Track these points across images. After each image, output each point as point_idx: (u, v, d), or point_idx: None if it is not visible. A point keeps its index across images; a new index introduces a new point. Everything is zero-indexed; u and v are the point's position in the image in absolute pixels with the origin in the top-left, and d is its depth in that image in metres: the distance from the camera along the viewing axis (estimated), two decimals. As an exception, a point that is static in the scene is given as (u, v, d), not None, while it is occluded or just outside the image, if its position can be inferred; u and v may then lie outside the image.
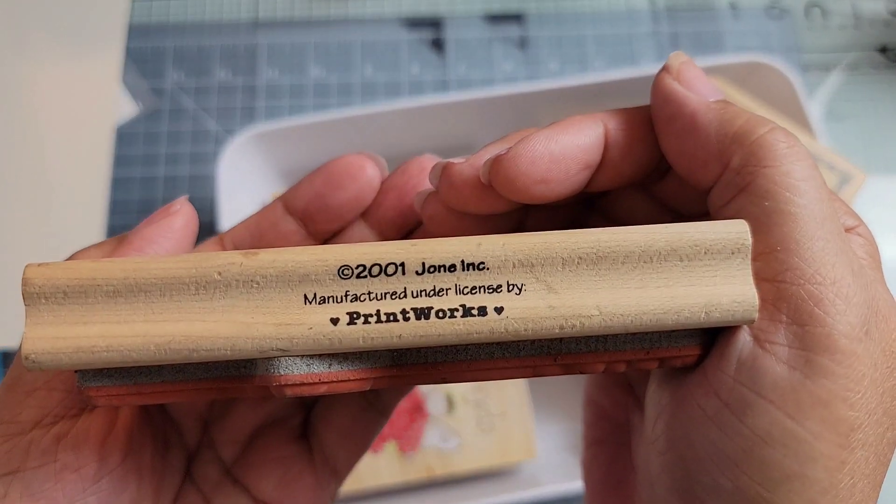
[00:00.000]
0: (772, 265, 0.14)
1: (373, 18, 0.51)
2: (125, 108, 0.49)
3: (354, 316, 0.14)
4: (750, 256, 0.14)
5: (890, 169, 0.49)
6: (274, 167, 0.43)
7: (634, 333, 0.15)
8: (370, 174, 0.18)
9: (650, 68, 0.41)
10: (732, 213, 0.15)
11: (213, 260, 0.14)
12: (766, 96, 0.42)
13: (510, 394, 0.39)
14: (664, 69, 0.17)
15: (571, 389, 0.41)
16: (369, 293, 0.14)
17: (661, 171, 0.17)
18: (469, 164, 0.16)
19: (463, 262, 0.14)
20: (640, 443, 0.19)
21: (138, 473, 0.17)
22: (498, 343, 0.15)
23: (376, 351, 0.14)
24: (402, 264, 0.14)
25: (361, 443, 0.21)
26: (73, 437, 0.16)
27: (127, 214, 0.47)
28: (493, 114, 0.43)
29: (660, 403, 0.16)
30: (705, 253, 0.14)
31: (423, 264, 0.14)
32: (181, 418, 0.20)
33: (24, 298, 0.14)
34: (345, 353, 0.14)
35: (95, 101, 0.48)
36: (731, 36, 0.51)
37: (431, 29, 0.51)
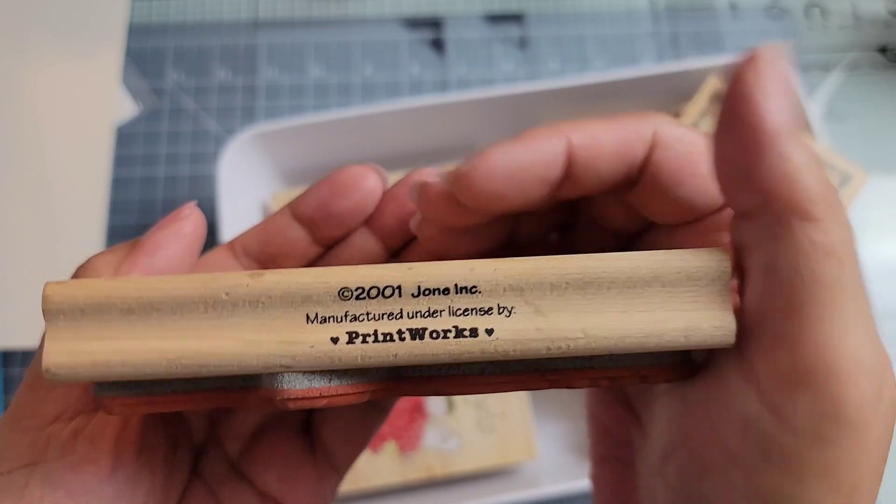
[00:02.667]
0: (790, 329, 0.13)
1: (373, 18, 0.51)
2: (125, 108, 0.49)
3: (353, 335, 0.15)
4: (729, 283, 0.15)
5: (890, 169, 0.49)
6: (274, 167, 0.43)
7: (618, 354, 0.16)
8: (372, 184, 0.19)
9: (650, 68, 0.41)
10: (749, 243, 0.15)
11: (222, 281, 0.15)
12: (766, 96, 0.42)
13: (510, 394, 0.39)
14: (753, 62, 0.14)
15: (571, 391, 0.41)
16: (367, 314, 0.15)
17: (631, 183, 0.17)
18: (441, 180, 0.17)
19: (456, 285, 0.15)
20: (643, 467, 0.19)
21: (151, 468, 0.18)
22: (489, 360, 0.15)
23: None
24: (399, 287, 0.15)
25: (361, 440, 0.21)
26: (91, 431, 0.17)
27: (127, 214, 0.47)
28: (493, 114, 0.43)
29: (669, 441, 0.16)
30: (687, 279, 0.15)
31: (419, 287, 0.15)
32: (190, 416, 0.21)
33: (43, 315, 0.15)
34: (344, 370, 0.15)
35: (96, 101, 0.48)
36: (731, 36, 0.51)
37: (431, 29, 0.51)
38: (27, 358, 0.44)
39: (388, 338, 0.15)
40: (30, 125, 0.48)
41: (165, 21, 0.51)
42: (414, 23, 0.51)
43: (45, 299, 0.14)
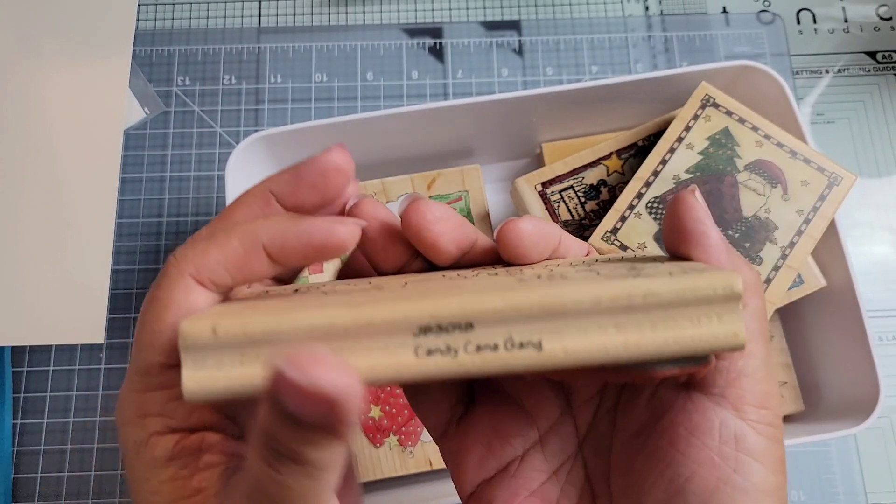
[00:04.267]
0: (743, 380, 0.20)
1: (373, 26, 0.52)
2: (133, 112, 0.50)
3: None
4: (741, 301, 0.17)
5: (879, 171, 0.50)
6: (279, 169, 0.44)
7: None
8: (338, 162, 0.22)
9: (644, 74, 0.42)
10: None
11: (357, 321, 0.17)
12: (757, 100, 0.43)
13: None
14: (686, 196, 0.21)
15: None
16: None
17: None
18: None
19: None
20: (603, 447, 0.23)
21: None
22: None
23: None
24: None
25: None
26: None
27: (135, 215, 0.48)
28: (491, 118, 0.44)
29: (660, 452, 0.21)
30: (707, 298, 0.17)
31: (540, 308, 0.17)
32: None
33: (180, 350, 0.16)
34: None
35: (104, 105, 0.49)
36: (723, 40, 0.52)
37: (431, 36, 0.52)
38: (35, 355, 0.45)
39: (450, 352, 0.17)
40: (40, 129, 0.49)
41: (171, 27, 0.52)
42: (414, 30, 0.52)
43: (181, 336, 0.16)
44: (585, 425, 0.23)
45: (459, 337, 0.17)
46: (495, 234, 0.22)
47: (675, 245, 0.21)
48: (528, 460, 0.23)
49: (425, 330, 0.17)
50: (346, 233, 0.20)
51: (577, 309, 0.17)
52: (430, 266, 0.23)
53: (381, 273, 0.23)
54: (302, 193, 0.21)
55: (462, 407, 0.24)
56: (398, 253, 0.22)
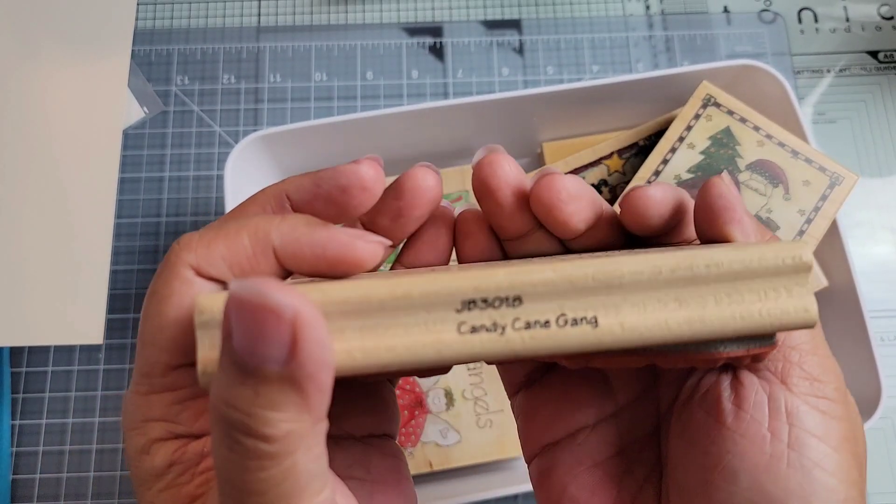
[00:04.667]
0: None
1: (373, 25, 0.52)
2: (132, 111, 0.49)
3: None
4: (810, 272, 0.16)
5: (881, 171, 0.50)
6: (278, 169, 0.44)
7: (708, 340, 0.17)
8: (431, 184, 0.20)
9: (645, 73, 0.42)
10: None
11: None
12: (758, 100, 0.43)
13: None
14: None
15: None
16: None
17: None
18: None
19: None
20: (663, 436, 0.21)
21: None
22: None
23: None
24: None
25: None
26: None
27: (133, 215, 0.47)
28: (491, 117, 0.43)
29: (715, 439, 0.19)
30: (775, 270, 0.16)
31: (593, 278, 0.16)
32: None
33: (195, 327, 0.15)
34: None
35: (103, 105, 0.49)
36: (725, 40, 0.52)
37: (431, 35, 0.52)
38: (34, 356, 0.45)
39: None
40: (39, 128, 0.49)
41: (170, 27, 0.51)
42: (414, 29, 0.52)
43: (197, 311, 0.15)
44: (668, 405, 0.22)
45: (507, 312, 0.15)
46: (618, 201, 0.20)
47: (709, 226, 0.19)
48: (599, 431, 0.22)
49: (469, 304, 0.15)
50: (367, 251, 0.18)
51: (636, 280, 0.16)
52: (550, 240, 0.21)
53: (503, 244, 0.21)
54: (318, 205, 0.19)
55: (543, 368, 0.23)
56: (522, 223, 0.20)
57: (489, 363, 0.17)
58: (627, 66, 0.51)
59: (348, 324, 0.15)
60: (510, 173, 0.19)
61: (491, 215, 0.20)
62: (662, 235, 0.20)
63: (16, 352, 0.45)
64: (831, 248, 0.41)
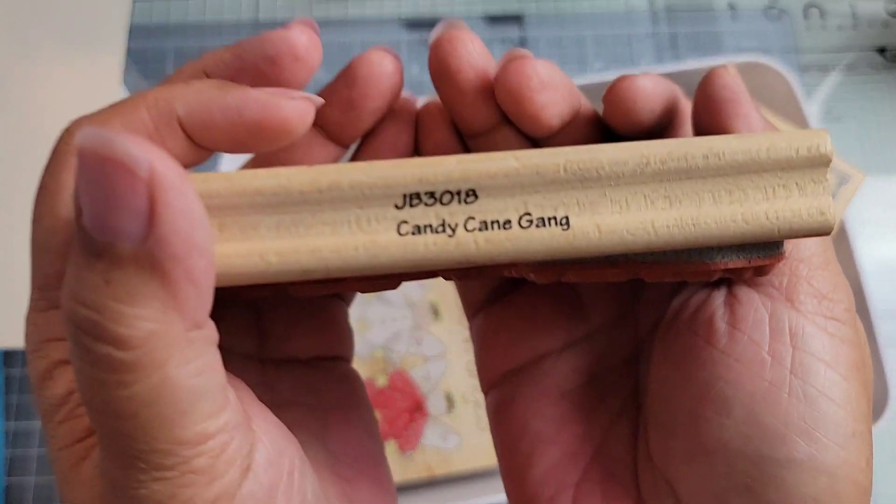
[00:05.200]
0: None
1: (373, 19, 0.51)
2: (126, 108, 0.49)
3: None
4: (829, 166, 0.13)
5: (888, 169, 0.49)
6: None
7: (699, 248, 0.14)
8: (388, 69, 0.17)
9: (649, 69, 0.41)
10: None
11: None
12: (764, 97, 0.42)
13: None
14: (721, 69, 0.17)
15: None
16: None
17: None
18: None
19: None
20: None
21: None
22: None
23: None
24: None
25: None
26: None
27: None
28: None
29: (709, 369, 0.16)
30: (787, 163, 0.13)
31: (565, 168, 0.13)
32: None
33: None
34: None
35: (97, 101, 0.49)
36: (730, 36, 0.51)
37: (431, 30, 0.51)
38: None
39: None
40: (32, 126, 0.48)
41: (166, 22, 0.51)
42: (413, 23, 0.51)
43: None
44: (650, 326, 0.19)
45: (458, 209, 0.13)
46: (604, 94, 0.17)
47: (709, 122, 0.17)
48: (568, 357, 0.19)
49: (412, 199, 0.13)
50: (294, 110, 0.14)
51: (617, 172, 0.13)
52: (521, 139, 0.18)
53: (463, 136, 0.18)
54: (242, 83, 0.15)
55: (508, 284, 0.20)
56: (486, 115, 0.17)
57: (438, 274, 0.15)
58: (631, 62, 0.50)
59: (262, 220, 0.13)
60: (473, 53, 0.16)
61: (450, 104, 0.17)
62: (652, 137, 0.18)
63: (9, 354, 0.44)
64: (838, 247, 0.40)
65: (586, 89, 0.41)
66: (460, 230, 0.13)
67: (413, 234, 0.13)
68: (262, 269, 0.13)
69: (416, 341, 0.41)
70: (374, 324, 0.41)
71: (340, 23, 0.51)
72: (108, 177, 0.11)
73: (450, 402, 0.40)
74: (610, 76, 0.41)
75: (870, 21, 0.52)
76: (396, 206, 0.13)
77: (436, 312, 0.41)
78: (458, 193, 0.13)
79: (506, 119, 0.17)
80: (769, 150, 0.13)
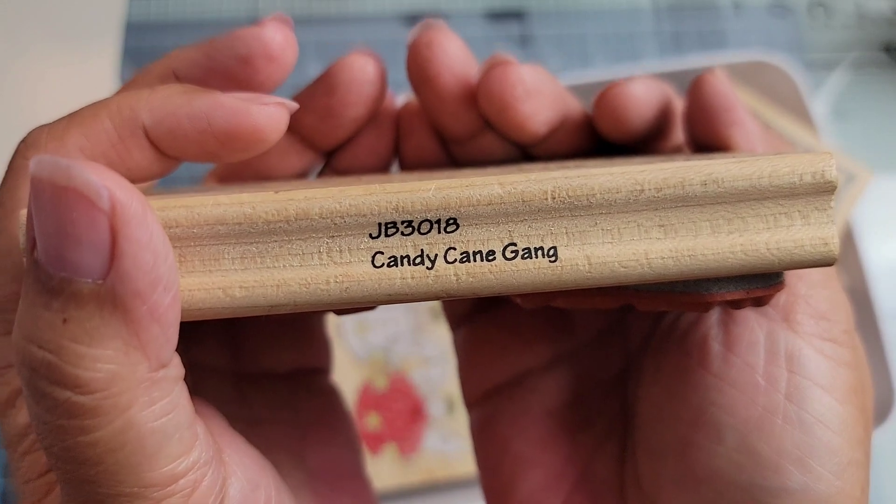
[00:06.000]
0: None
1: (373, 16, 0.51)
2: (123, 106, 0.49)
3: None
4: (834, 194, 0.13)
5: (894, 167, 0.49)
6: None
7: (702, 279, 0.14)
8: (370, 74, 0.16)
9: (652, 66, 0.41)
10: None
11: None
12: (769, 94, 0.42)
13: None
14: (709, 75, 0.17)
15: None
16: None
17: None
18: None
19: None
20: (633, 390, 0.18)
21: None
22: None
23: None
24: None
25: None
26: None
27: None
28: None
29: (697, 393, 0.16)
30: (789, 192, 0.13)
31: (553, 196, 0.13)
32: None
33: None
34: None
35: (92, 100, 0.48)
36: (734, 34, 0.51)
37: (432, 27, 0.50)
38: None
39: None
40: (25, 124, 0.48)
41: (164, 19, 0.50)
42: (414, 20, 0.51)
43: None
44: (641, 343, 0.18)
45: (438, 239, 0.12)
46: (593, 101, 0.16)
47: (704, 131, 0.16)
48: (553, 374, 0.18)
49: (388, 228, 0.12)
50: (265, 117, 0.14)
51: (610, 200, 0.12)
52: (506, 144, 0.17)
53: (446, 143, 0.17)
54: (214, 84, 0.15)
55: (493, 298, 0.19)
56: (468, 122, 0.16)
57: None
58: (633, 59, 0.50)
59: (225, 250, 0.12)
60: (454, 57, 0.16)
61: (430, 110, 0.16)
62: (644, 142, 0.17)
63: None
64: (844, 247, 0.40)
65: (588, 87, 0.41)
66: (440, 262, 0.12)
67: (389, 265, 0.12)
68: (226, 304, 0.12)
69: (417, 343, 0.40)
70: (373, 325, 0.40)
71: (341, 20, 0.51)
72: (65, 208, 0.10)
73: (450, 404, 0.40)
74: (613, 74, 0.41)
75: (875, 19, 0.52)
76: (371, 236, 0.12)
77: (436, 313, 0.41)
78: (438, 222, 0.12)
79: (490, 124, 0.16)
80: (771, 177, 0.12)
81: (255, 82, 0.15)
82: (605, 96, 0.16)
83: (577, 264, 0.12)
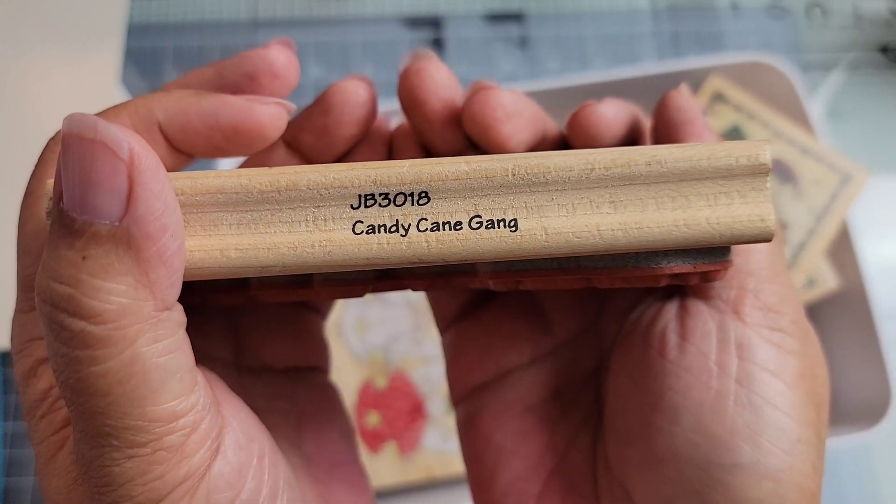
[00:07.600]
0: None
1: (373, 18, 0.51)
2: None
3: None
4: (769, 175, 0.14)
5: (891, 168, 0.49)
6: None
7: (646, 252, 0.15)
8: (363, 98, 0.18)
9: (651, 68, 0.41)
10: None
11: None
12: (767, 96, 0.42)
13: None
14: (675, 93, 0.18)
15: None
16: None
17: None
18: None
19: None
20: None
21: None
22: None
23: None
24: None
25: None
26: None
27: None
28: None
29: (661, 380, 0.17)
30: (728, 172, 0.14)
31: (513, 174, 0.14)
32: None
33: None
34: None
35: (94, 101, 0.48)
36: (732, 35, 0.51)
37: (431, 28, 0.51)
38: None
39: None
40: (28, 126, 0.48)
41: (165, 21, 0.51)
42: (414, 22, 0.51)
43: (46, 195, 0.14)
44: (612, 340, 0.20)
45: (411, 210, 0.14)
46: (566, 121, 0.18)
47: (668, 141, 0.17)
48: (533, 372, 0.20)
49: (367, 199, 0.14)
50: (267, 115, 0.16)
51: (564, 177, 0.14)
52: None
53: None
54: None
55: (478, 300, 0.21)
56: (454, 141, 0.18)
57: (406, 285, 0.16)
58: (632, 60, 0.50)
59: (223, 217, 0.14)
60: (441, 84, 0.17)
61: (419, 131, 0.18)
62: None
63: (9, 355, 0.44)
64: (842, 247, 0.40)
65: (587, 88, 0.41)
66: (413, 230, 0.14)
67: (367, 233, 0.14)
68: (223, 264, 0.14)
69: (416, 342, 0.41)
70: (373, 325, 0.41)
71: (341, 21, 0.51)
72: (90, 157, 0.12)
73: (450, 403, 0.40)
74: (611, 75, 0.41)
75: (872, 20, 0.52)
76: (352, 207, 0.14)
77: (436, 313, 0.41)
78: (412, 195, 0.14)
79: (473, 143, 0.18)
80: (710, 159, 0.14)
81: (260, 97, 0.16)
82: (577, 116, 0.18)
83: (535, 234, 0.14)
